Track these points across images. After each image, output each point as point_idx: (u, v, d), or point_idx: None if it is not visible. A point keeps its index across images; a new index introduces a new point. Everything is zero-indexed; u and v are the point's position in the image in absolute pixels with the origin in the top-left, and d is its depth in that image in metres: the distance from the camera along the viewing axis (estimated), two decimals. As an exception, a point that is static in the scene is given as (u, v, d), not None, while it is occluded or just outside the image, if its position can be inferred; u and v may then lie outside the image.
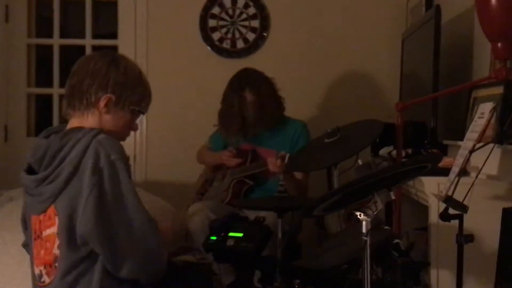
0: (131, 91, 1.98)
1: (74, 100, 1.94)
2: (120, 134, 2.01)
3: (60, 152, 1.83)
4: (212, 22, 4.29)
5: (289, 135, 3.21)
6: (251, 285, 2.87)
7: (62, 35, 4.47)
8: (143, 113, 2.06)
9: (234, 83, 3.42)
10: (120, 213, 1.79)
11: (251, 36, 4.29)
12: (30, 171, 1.94)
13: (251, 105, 3.35)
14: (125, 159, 1.83)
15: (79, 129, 1.89)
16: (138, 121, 2.07)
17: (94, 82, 1.92)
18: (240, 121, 3.36)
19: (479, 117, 2.12)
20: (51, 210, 1.85)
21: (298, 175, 3.25)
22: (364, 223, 1.74)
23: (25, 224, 2.08)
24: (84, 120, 1.94)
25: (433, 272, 2.38)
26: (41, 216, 1.89)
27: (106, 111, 1.94)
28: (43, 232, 1.90)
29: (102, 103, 1.93)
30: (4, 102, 4.39)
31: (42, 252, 1.92)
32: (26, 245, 2.13)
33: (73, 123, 1.96)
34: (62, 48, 4.43)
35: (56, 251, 1.86)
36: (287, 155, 3.06)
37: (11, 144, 4.41)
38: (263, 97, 3.38)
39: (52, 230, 1.86)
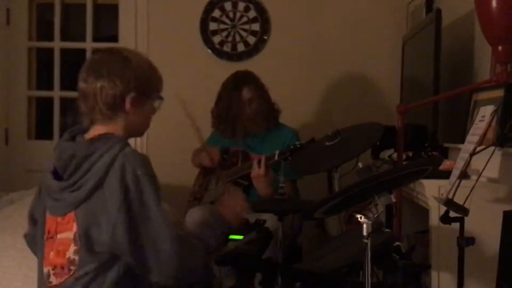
0: (150, 82, 2.00)
1: (98, 106, 1.91)
2: (145, 127, 2.05)
3: (86, 161, 1.83)
4: (212, 25, 4.30)
5: (280, 142, 3.21)
6: (252, 288, 2.86)
7: (63, 38, 4.47)
8: (162, 99, 2.05)
9: (230, 83, 3.43)
10: (146, 228, 1.80)
11: (251, 40, 4.29)
12: (55, 173, 1.92)
13: (249, 102, 3.36)
14: (151, 173, 1.83)
15: (105, 137, 1.89)
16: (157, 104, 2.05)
17: (115, 84, 1.90)
18: (239, 121, 3.36)
19: (480, 120, 2.12)
20: (70, 215, 1.86)
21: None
22: (364, 225, 1.74)
23: (33, 220, 2.07)
24: (111, 123, 1.94)
25: (434, 275, 2.38)
26: (59, 219, 1.90)
27: (133, 110, 1.95)
28: (58, 235, 1.90)
29: (128, 104, 1.93)
30: (5, 105, 4.40)
31: (52, 253, 1.92)
32: (27, 236, 2.14)
33: (99, 129, 1.94)
34: (63, 51, 4.44)
35: (72, 255, 1.87)
36: (263, 158, 3.09)
37: (11, 147, 4.41)
38: (260, 94, 3.40)
39: (68, 234, 1.87)
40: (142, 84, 1.96)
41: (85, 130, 1.98)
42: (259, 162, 3.13)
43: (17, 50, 4.42)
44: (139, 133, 2.06)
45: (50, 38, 4.45)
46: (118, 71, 1.92)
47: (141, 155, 1.87)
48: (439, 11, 2.98)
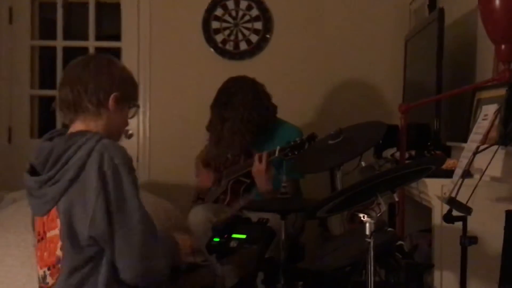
0: (131, 88, 2.06)
1: (82, 104, 1.94)
2: (122, 130, 2.07)
3: (64, 155, 1.84)
4: (215, 24, 4.30)
5: (283, 139, 3.19)
6: (254, 287, 2.86)
7: (66, 36, 4.47)
8: (138, 107, 2.10)
9: (216, 98, 3.40)
10: (121, 217, 1.80)
11: (254, 38, 4.29)
12: (33, 172, 1.94)
13: (230, 121, 3.32)
14: (129, 163, 1.85)
15: (84, 132, 1.90)
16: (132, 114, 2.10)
17: (100, 83, 1.95)
18: (225, 139, 3.34)
19: (483, 119, 2.11)
20: (53, 211, 1.87)
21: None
22: (367, 225, 1.74)
23: (33, 225, 2.08)
24: (91, 122, 1.96)
25: (436, 274, 2.38)
26: (45, 218, 1.91)
27: (115, 109, 1.97)
28: (47, 234, 1.91)
29: (111, 102, 1.96)
30: (8, 104, 4.41)
31: (46, 253, 1.93)
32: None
33: (78, 126, 1.96)
34: (66, 50, 4.44)
35: (58, 252, 1.88)
36: (265, 154, 3.08)
37: (14, 145, 4.41)
38: (244, 111, 3.31)
39: (55, 232, 1.88)
40: (125, 86, 2.01)
41: (64, 133, 1.99)
42: (260, 158, 3.12)
43: (20, 48, 4.42)
44: (117, 136, 2.05)
45: (53, 36, 4.45)
46: (104, 68, 1.98)
47: (118, 146, 1.88)
48: (441, 10, 2.98)
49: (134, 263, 1.83)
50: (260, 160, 3.11)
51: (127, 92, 2.02)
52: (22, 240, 2.79)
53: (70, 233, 1.82)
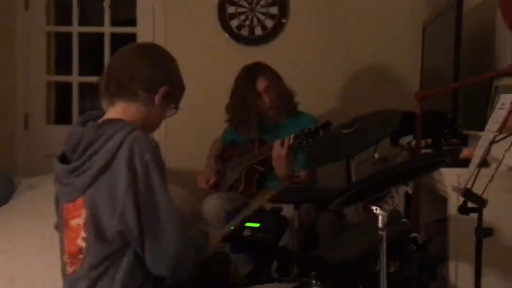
0: (180, 87, 2.05)
1: (131, 88, 1.93)
2: (157, 125, 2.05)
3: (94, 144, 1.82)
4: (230, 9, 4.26)
5: (299, 129, 3.16)
6: (268, 275, 2.86)
7: (81, 22, 4.47)
8: (177, 109, 2.08)
9: (242, 76, 3.39)
10: (151, 213, 1.78)
11: (269, 23, 4.25)
12: (63, 159, 1.93)
13: (266, 91, 3.32)
14: (159, 158, 1.82)
15: (115, 121, 1.87)
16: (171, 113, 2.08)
17: (156, 73, 1.95)
18: (256, 112, 3.33)
19: (500, 108, 2.07)
20: (79, 201, 1.85)
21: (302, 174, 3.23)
22: (380, 217, 1.72)
23: (57, 205, 2.06)
24: (131, 109, 1.93)
25: (451, 265, 2.35)
26: (70, 205, 1.89)
27: (160, 102, 1.96)
28: (70, 222, 1.90)
29: (160, 94, 1.94)
30: (24, 90, 4.43)
31: (67, 241, 1.93)
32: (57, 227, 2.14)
33: (113, 112, 1.94)
34: (81, 35, 4.44)
35: (80, 242, 1.86)
36: (292, 137, 3.06)
37: (31, 131, 4.44)
38: (276, 81, 3.36)
39: (78, 221, 1.86)
40: (176, 84, 2.01)
41: (98, 117, 1.97)
42: (282, 142, 3.09)
43: (36, 34, 4.43)
44: (149, 130, 2.02)
45: (68, 22, 4.45)
46: (165, 60, 1.99)
47: (150, 139, 1.84)
48: (460, -5, 2.92)
49: (166, 259, 1.81)
50: (282, 145, 3.08)
51: (175, 91, 2.01)
52: (37, 227, 2.81)
53: (95, 226, 1.81)
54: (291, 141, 3.05)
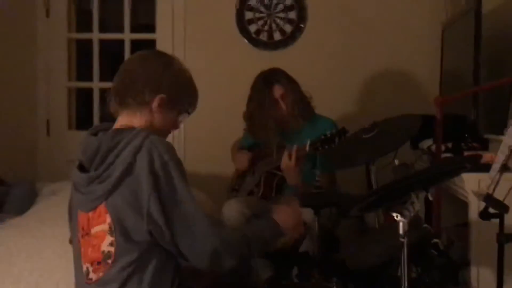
0: (183, 94, 2.03)
1: (127, 97, 1.96)
2: (165, 132, 2.06)
3: (112, 151, 1.85)
4: (248, 14, 4.27)
5: (318, 133, 3.16)
6: (289, 281, 2.86)
7: (101, 29, 4.51)
8: (189, 114, 2.09)
9: (259, 83, 3.39)
10: (178, 211, 1.82)
11: (288, 28, 4.26)
12: (82, 169, 1.96)
13: (283, 98, 3.33)
14: (177, 159, 1.85)
15: (130, 128, 1.91)
16: (182, 120, 2.09)
17: (149, 82, 1.95)
18: (273, 119, 3.34)
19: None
20: (101, 207, 1.87)
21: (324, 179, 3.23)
22: (401, 224, 1.72)
23: (70, 216, 2.09)
24: (134, 117, 1.96)
25: (473, 271, 2.34)
26: (90, 214, 1.91)
27: (158, 110, 1.97)
28: (92, 229, 1.91)
29: (155, 103, 1.96)
30: (46, 96, 4.47)
31: (90, 249, 1.94)
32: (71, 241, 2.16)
33: (123, 120, 1.98)
34: (102, 42, 4.48)
35: (106, 248, 1.88)
36: (294, 149, 3.07)
37: (53, 137, 4.48)
38: (292, 87, 3.37)
39: (102, 227, 1.88)
40: (176, 91, 1.99)
41: (108, 128, 1.99)
42: (290, 154, 3.11)
43: (57, 41, 4.47)
44: (161, 136, 2.01)
45: (89, 29, 4.49)
46: (158, 70, 1.97)
47: (166, 141, 1.88)
48: (479, -2, 2.91)
49: (205, 249, 1.82)
50: (289, 156, 3.10)
51: (176, 98, 2.00)
52: (59, 233, 2.83)
53: (122, 229, 1.83)
54: (306, 148, 3.05)
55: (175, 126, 2.08)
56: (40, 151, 4.47)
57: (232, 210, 3.12)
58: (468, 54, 2.98)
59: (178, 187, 1.82)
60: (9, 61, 4.43)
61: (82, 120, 4.63)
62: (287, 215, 2.08)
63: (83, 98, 4.70)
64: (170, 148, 1.86)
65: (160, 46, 4.33)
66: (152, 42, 4.39)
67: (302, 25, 4.24)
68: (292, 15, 4.25)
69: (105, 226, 1.87)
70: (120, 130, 1.92)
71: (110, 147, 1.86)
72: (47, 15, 4.44)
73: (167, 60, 2.02)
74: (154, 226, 1.81)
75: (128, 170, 1.82)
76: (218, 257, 1.84)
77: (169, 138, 4.23)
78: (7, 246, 2.86)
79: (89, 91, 4.53)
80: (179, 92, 2.01)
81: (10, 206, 3.55)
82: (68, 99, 4.53)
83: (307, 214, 2.65)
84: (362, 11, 4.20)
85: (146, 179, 1.79)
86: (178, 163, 1.85)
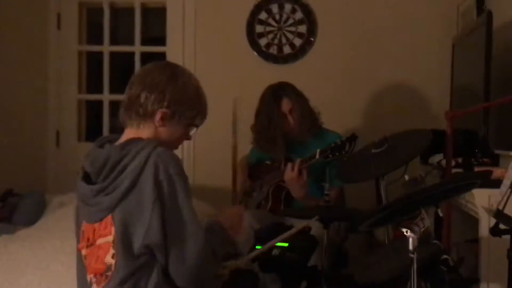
0: (187, 107, 2.01)
1: (131, 110, 1.97)
2: (174, 144, 2.05)
3: (120, 164, 1.86)
4: (259, 28, 4.29)
5: (325, 145, 3.16)
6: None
7: (112, 41, 4.54)
8: (198, 127, 2.08)
9: (267, 96, 3.39)
10: (176, 227, 1.82)
11: (298, 42, 4.27)
12: (88, 180, 1.96)
13: (291, 112, 3.33)
14: (183, 173, 1.85)
15: (137, 140, 1.92)
16: (192, 132, 2.08)
17: (151, 95, 1.95)
18: (281, 133, 3.34)
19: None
20: (107, 219, 1.88)
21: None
22: (411, 240, 1.71)
23: (77, 231, 2.08)
24: (140, 130, 1.97)
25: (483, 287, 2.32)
26: (96, 225, 1.92)
27: (162, 124, 1.97)
28: (97, 241, 1.92)
29: (157, 117, 1.96)
30: (56, 108, 4.49)
31: (94, 260, 1.95)
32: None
33: (129, 133, 1.99)
34: (112, 54, 4.50)
35: (109, 260, 1.89)
36: (297, 161, 3.07)
37: (62, 149, 4.49)
38: (300, 102, 3.37)
39: (107, 239, 1.89)
40: (178, 106, 1.98)
41: (114, 139, 2.01)
42: (292, 166, 3.11)
43: (68, 53, 4.50)
44: (170, 148, 2.02)
45: (100, 41, 4.52)
46: (161, 83, 1.96)
47: (173, 155, 1.88)
48: (489, 13, 2.90)
49: (189, 271, 1.84)
50: (292, 168, 3.10)
51: (180, 112, 1.99)
52: (68, 245, 2.83)
53: (124, 242, 1.84)
54: (317, 156, 3.05)
55: (186, 138, 2.07)
56: (49, 162, 4.48)
57: (240, 223, 3.11)
58: (478, 69, 2.97)
59: (180, 203, 1.83)
60: (20, 73, 4.46)
61: (91, 132, 4.64)
62: (228, 216, 2.13)
63: (93, 110, 4.72)
64: (176, 162, 1.86)
65: (170, 59, 4.34)
66: (162, 55, 4.41)
67: (312, 39, 4.25)
68: (302, 29, 4.26)
69: (110, 238, 1.88)
70: (128, 142, 1.93)
71: (117, 159, 1.87)
72: (58, 27, 4.47)
73: (172, 73, 2.00)
74: (150, 238, 1.81)
75: (135, 182, 1.83)
76: (202, 275, 1.86)
77: (179, 151, 4.28)
78: (16, 257, 2.87)
79: (99, 103, 4.54)
80: (182, 106, 1.99)
81: (19, 216, 3.57)
82: (78, 111, 4.55)
83: (317, 228, 2.65)
84: (372, 26, 4.20)
85: (150, 192, 1.80)
86: (183, 177, 1.85)
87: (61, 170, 4.42)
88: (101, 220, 1.90)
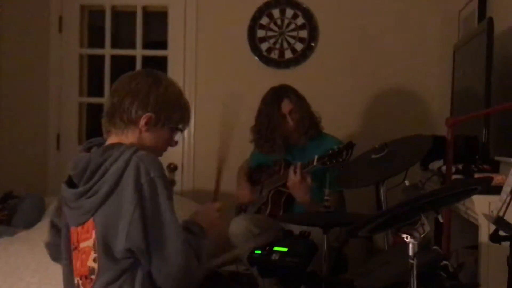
0: (171, 111, 2.02)
1: (115, 117, 1.97)
2: (158, 150, 2.06)
3: (101, 167, 1.87)
4: (260, 33, 4.30)
5: (324, 150, 3.15)
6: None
7: (114, 45, 4.54)
8: (182, 131, 2.10)
9: (269, 97, 3.41)
10: (157, 230, 1.82)
11: (299, 47, 4.28)
12: (70, 183, 1.98)
13: (291, 113, 3.34)
14: (164, 176, 1.86)
15: (119, 144, 1.93)
16: (177, 137, 2.10)
17: (135, 101, 1.96)
18: (279, 134, 3.34)
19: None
20: (89, 223, 1.89)
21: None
22: (410, 245, 1.71)
23: (55, 228, 2.11)
24: (123, 136, 1.98)
25: (483, 294, 2.32)
26: (79, 229, 1.94)
27: (146, 129, 1.98)
28: (80, 244, 1.94)
29: (142, 122, 1.97)
30: (57, 111, 4.50)
31: (78, 263, 1.97)
32: (50, 245, 2.18)
33: (113, 139, 1.99)
34: (114, 58, 4.51)
35: (91, 263, 1.91)
36: (298, 165, 3.08)
37: (63, 152, 4.50)
38: (301, 104, 3.38)
39: (88, 243, 1.91)
40: (162, 110, 1.99)
41: (101, 143, 2.02)
42: (294, 170, 3.11)
43: (69, 57, 4.51)
44: (155, 154, 2.02)
45: (101, 44, 4.53)
46: (144, 89, 1.97)
47: (154, 158, 1.89)
48: (490, 20, 2.90)
49: (172, 272, 1.84)
50: (295, 172, 3.10)
51: (165, 116, 2.00)
52: (68, 248, 2.83)
53: (105, 246, 1.85)
54: (315, 163, 3.05)
55: (170, 143, 2.08)
56: (50, 165, 4.49)
57: (239, 227, 3.11)
58: (479, 75, 2.97)
59: (162, 206, 1.83)
60: (21, 76, 4.47)
61: (92, 135, 4.59)
62: (206, 217, 2.10)
63: (94, 114, 4.71)
64: (157, 165, 1.87)
65: (172, 63, 4.37)
66: (163, 59, 4.42)
67: (313, 44, 4.26)
68: (304, 34, 4.27)
69: (90, 242, 1.90)
70: (110, 146, 1.94)
71: (99, 162, 1.87)
72: (60, 30, 4.49)
73: (155, 79, 2.01)
74: (132, 242, 1.81)
75: (115, 185, 1.83)
76: (185, 279, 1.86)
77: (179, 156, 4.28)
78: (15, 259, 2.87)
79: (100, 106, 4.53)
80: (167, 110, 2.00)
81: (19, 219, 3.57)
82: (79, 114, 4.56)
83: (316, 233, 2.64)
84: (373, 32, 4.21)
85: (131, 195, 1.80)
86: (164, 180, 1.86)
87: (62, 173, 4.38)
88: (83, 223, 1.91)
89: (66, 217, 2.01)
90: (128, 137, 1.97)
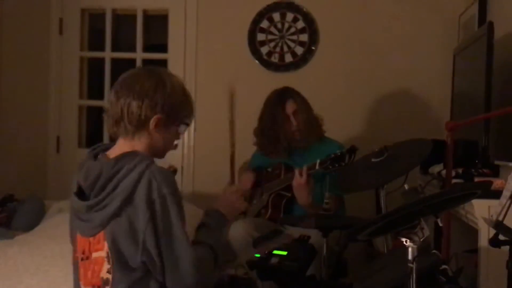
0: (179, 109, 2.00)
1: (123, 121, 1.93)
2: (167, 149, 2.04)
3: (113, 180, 1.84)
4: (260, 36, 4.30)
5: (325, 154, 3.15)
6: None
7: (114, 48, 4.55)
8: (188, 125, 2.07)
9: (272, 99, 3.41)
10: (169, 246, 1.82)
11: (299, 50, 4.28)
12: (80, 194, 1.95)
13: (294, 114, 3.34)
14: (176, 192, 1.85)
15: (131, 154, 1.89)
16: (182, 130, 2.07)
17: (143, 104, 1.91)
18: (282, 136, 3.34)
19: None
20: (101, 234, 1.88)
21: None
22: (410, 249, 1.70)
23: (72, 241, 2.08)
24: (134, 141, 1.95)
25: (482, 298, 2.32)
26: (91, 239, 1.92)
27: (157, 130, 1.95)
28: (93, 254, 1.92)
29: (152, 124, 1.94)
30: (57, 114, 4.50)
31: (89, 273, 1.95)
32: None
33: (124, 144, 1.96)
34: (114, 61, 4.51)
35: (104, 275, 1.89)
36: (305, 167, 3.08)
37: (62, 155, 4.50)
38: (304, 106, 3.38)
39: (100, 253, 1.89)
40: (171, 109, 1.96)
41: (107, 148, 2.00)
42: (300, 172, 3.11)
43: (69, 59, 4.52)
44: (161, 154, 2.03)
45: (101, 47, 4.53)
46: (149, 91, 1.93)
47: (166, 173, 1.87)
48: (491, 24, 2.91)
49: (186, 282, 1.84)
50: (300, 174, 3.10)
51: (173, 114, 1.97)
52: (67, 251, 2.81)
53: (118, 257, 1.85)
54: (316, 167, 3.05)
55: (176, 137, 2.06)
56: (50, 168, 4.49)
57: (238, 231, 3.11)
58: (479, 79, 2.97)
59: (173, 222, 1.82)
60: (21, 78, 4.48)
61: (92, 138, 4.65)
62: (225, 201, 2.13)
63: (93, 116, 4.72)
64: (170, 181, 1.85)
65: (172, 66, 4.36)
66: (164, 62, 4.42)
67: (313, 48, 4.26)
68: (304, 37, 4.27)
69: (103, 253, 1.88)
70: (122, 156, 1.90)
71: (111, 174, 1.85)
72: (60, 32, 4.49)
73: (158, 79, 1.96)
74: (147, 256, 1.82)
75: (127, 199, 1.82)
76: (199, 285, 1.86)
77: (179, 158, 4.27)
78: (15, 262, 2.86)
79: (100, 109, 4.52)
80: (175, 110, 1.98)
81: (19, 222, 3.57)
82: (78, 117, 4.56)
83: (315, 236, 2.64)
84: (373, 35, 4.22)
85: (143, 210, 1.79)
86: (177, 197, 1.84)
87: (61, 175, 4.42)
88: (94, 235, 1.90)
89: (75, 226, 1.99)
90: (140, 140, 1.95)
